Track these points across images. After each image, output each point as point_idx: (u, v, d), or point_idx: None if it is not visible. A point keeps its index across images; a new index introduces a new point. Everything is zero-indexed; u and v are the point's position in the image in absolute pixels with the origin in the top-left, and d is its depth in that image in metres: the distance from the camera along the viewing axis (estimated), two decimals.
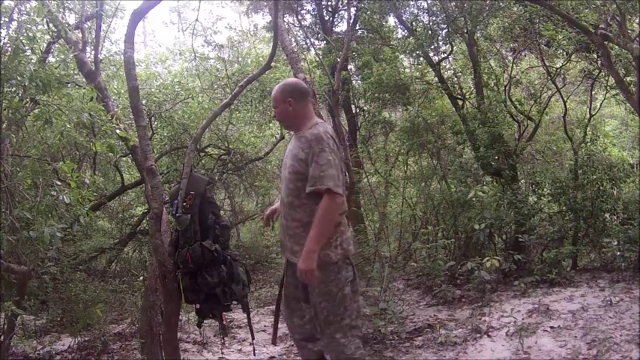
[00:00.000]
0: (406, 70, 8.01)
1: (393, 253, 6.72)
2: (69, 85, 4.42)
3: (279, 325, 3.96)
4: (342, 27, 8.65)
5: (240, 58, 8.70)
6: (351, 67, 8.25)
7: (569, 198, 6.00)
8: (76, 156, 6.47)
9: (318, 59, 6.92)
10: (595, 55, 6.93)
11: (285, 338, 4.45)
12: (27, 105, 3.78)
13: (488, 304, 4.84)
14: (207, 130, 6.60)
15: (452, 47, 7.44)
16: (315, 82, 6.75)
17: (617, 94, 7.30)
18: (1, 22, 3.45)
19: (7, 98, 3.18)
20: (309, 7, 8.55)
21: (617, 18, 5.40)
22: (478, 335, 4.05)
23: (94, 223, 6.76)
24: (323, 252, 2.55)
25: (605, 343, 3.54)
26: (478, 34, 7.31)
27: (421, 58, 7.48)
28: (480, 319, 4.40)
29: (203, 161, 7.72)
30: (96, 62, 4.53)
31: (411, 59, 7.89)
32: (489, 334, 4.06)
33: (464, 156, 7.39)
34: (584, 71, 7.65)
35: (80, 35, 4.83)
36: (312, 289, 2.63)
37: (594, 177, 6.02)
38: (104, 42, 6.38)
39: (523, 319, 4.23)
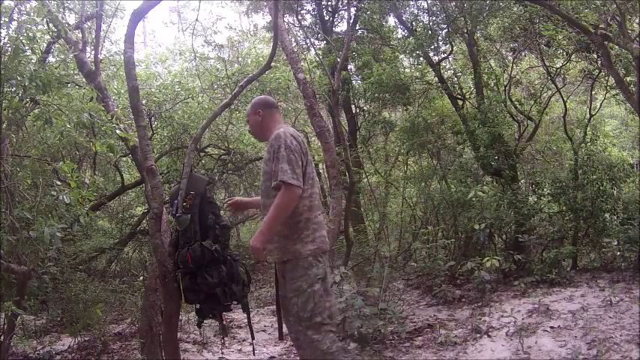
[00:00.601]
0: (406, 70, 8.02)
1: (393, 253, 6.72)
2: (69, 85, 4.42)
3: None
4: (342, 27, 8.67)
5: (240, 58, 8.70)
6: (351, 67, 8.25)
7: (569, 198, 6.00)
8: (76, 156, 6.47)
9: (318, 59, 6.92)
10: (595, 55, 6.93)
11: (285, 338, 4.45)
12: (27, 105, 3.78)
13: (488, 304, 4.84)
14: (207, 130, 6.60)
15: (452, 47, 7.44)
16: (315, 82, 6.75)
17: (617, 94, 7.30)
18: (1, 22, 3.45)
19: (7, 98, 3.18)
20: (309, 7, 8.56)
21: (617, 18, 5.40)
22: (478, 335, 4.05)
23: (94, 223, 6.76)
24: (294, 247, 2.68)
25: (605, 343, 3.54)
26: (478, 34, 7.31)
27: (421, 58, 7.48)
28: (480, 319, 4.40)
29: (203, 161, 7.72)
30: (96, 62, 4.53)
31: (411, 59, 7.89)
32: (489, 334, 4.06)
33: (464, 156, 7.39)
34: (584, 71, 7.65)
35: (80, 35, 4.83)
36: (286, 285, 2.73)
37: (594, 177, 6.02)
38: (104, 42, 6.38)
39: (523, 319, 4.23)
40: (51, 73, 3.25)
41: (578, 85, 8.46)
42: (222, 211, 3.29)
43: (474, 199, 5.67)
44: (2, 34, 3.49)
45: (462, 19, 6.69)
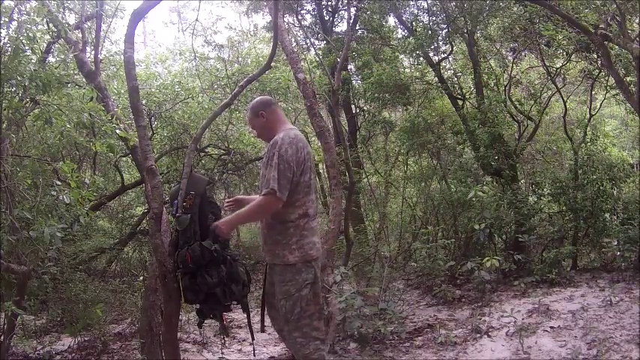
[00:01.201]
0: (406, 70, 8.01)
1: (393, 253, 6.72)
2: (69, 85, 4.41)
3: None
4: (342, 27, 8.66)
5: (240, 58, 8.69)
6: (351, 67, 8.25)
7: (569, 198, 6.00)
8: (76, 156, 6.46)
9: (318, 59, 6.92)
10: (595, 55, 6.93)
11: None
12: (27, 105, 3.78)
13: (489, 304, 4.84)
14: (207, 130, 6.60)
15: (452, 47, 7.44)
16: (315, 82, 6.75)
17: (617, 94, 7.30)
18: (1, 22, 3.45)
19: (7, 98, 3.18)
20: (309, 7, 8.55)
21: (617, 18, 5.40)
22: (478, 335, 4.05)
23: (94, 223, 6.74)
24: (282, 252, 2.75)
25: (605, 343, 3.54)
26: (478, 34, 7.31)
27: (421, 58, 7.48)
28: (480, 319, 4.40)
29: (203, 161, 7.71)
30: (96, 62, 4.53)
31: (411, 59, 7.89)
32: (489, 334, 4.06)
33: (464, 156, 7.39)
34: (584, 71, 7.65)
35: (80, 35, 4.83)
36: (276, 287, 2.81)
37: (594, 177, 6.02)
38: (104, 42, 6.37)
39: (523, 319, 4.23)
40: (51, 73, 3.25)
41: (578, 85, 8.46)
42: (222, 211, 3.28)
43: (474, 199, 5.67)
44: (2, 34, 3.49)
45: (462, 19, 6.69)
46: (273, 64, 4.04)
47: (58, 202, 3.20)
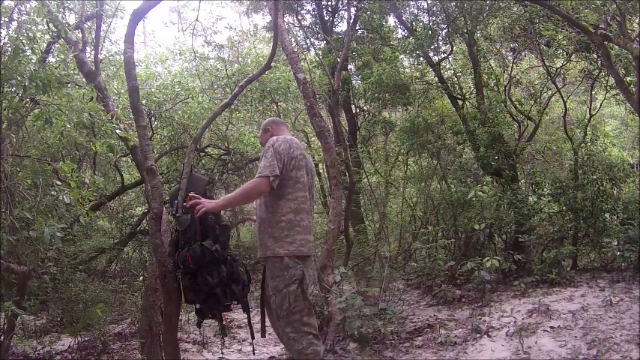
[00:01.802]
0: (406, 70, 8.02)
1: (393, 253, 6.72)
2: (69, 85, 4.41)
3: None
4: (342, 27, 8.67)
5: (240, 58, 8.69)
6: (351, 67, 8.25)
7: (569, 198, 6.00)
8: (76, 156, 6.46)
9: (318, 59, 6.92)
10: (595, 55, 6.93)
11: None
12: (27, 105, 3.78)
13: (489, 304, 4.84)
14: (207, 130, 6.60)
15: (452, 47, 7.44)
16: (315, 82, 6.75)
17: (617, 94, 7.30)
18: (1, 22, 3.44)
19: (7, 98, 3.18)
20: (309, 7, 8.56)
21: (617, 18, 5.40)
22: (478, 335, 4.05)
23: (94, 223, 6.75)
24: (272, 245, 2.86)
25: (605, 343, 3.53)
26: (478, 34, 7.31)
27: (421, 58, 7.48)
28: (480, 319, 4.40)
29: (203, 161, 7.71)
30: (96, 62, 4.53)
31: (411, 59, 7.89)
32: (489, 334, 4.06)
33: (464, 156, 7.40)
34: (584, 71, 7.65)
35: (80, 35, 4.82)
36: (268, 281, 2.90)
37: (594, 177, 6.02)
38: (104, 42, 6.37)
39: (523, 319, 4.23)
40: (51, 73, 3.24)
41: (578, 85, 8.46)
42: (222, 211, 3.28)
43: (474, 199, 5.67)
44: (2, 34, 3.49)
45: (462, 19, 6.69)
46: (273, 64, 4.05)
47: (58, 202, 3.20)
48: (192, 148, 3.55)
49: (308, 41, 8.42)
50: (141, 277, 6.02)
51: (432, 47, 7.24)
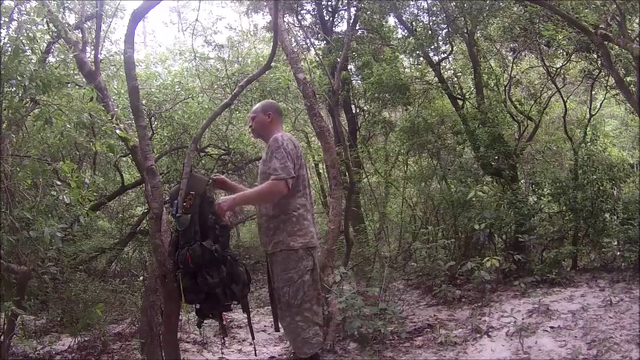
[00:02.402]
0: (406, 70, 8.01)
1: (393, 253, 6.73)
2: (69, 85, 4.41)
3: None
4: (342, 27, 8.67)
5: (240, 58, 8.67)
6: (351, 67, 8.25)
7: (569, 198, 6.00)
8: (76, 156, 6.45)
9: (318, 59, 6.92)
10: (595, 55, 6.93)
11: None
12: (27, 105, 3.77)
13: (489, 304, 4.84)
14: (207, 130, 6.59)
15: (452, 47, 7.44)
16: (315, 82, 6.75)
17: (617, 94, 7.31)
18: (1, 22, 3.44)
19: (7, 98, 3.17)
20: (309, 7, 8.57)
21: (617, 18, 5.39)
22: (478, 335, 4.05)
23: (94, 223, 6.74)
24: (285, 239, 2.94)
25: (605, 343, 3.54)
26: (478, 34, 7.31)
27: (421, 58, 7.48)
28: (480, 319, 4.40)
29: (203, 161, 7.71)
30: (96, 62, 4.52)
31: (411, 59, 7.89)
32: (489, 334, 4.06)
33: (464, 156, 7.40)
34: (584, 71, 7.65)
35: (80, 35, 4.81)
36: (276, 276, 3.00)
37: (594, 177, 6.02)
38: (104, 42, 6.36)
39: (523, 319, 4.23)
40: (51, 73, 3.24)
41: (578, 85, 8.46)
42: None
43: (474, 199, 5.67)
44: (2, 34, 3.49)
45: (462, 19, 6.69)
46: (273, 64, 4.04)
47: (58, 202, 3.20)
48: (192, 148, 3.55)
49: (308, 41, 8.42)
50: (141, 277, 6.01)
51: (432, 47, 7.24)
